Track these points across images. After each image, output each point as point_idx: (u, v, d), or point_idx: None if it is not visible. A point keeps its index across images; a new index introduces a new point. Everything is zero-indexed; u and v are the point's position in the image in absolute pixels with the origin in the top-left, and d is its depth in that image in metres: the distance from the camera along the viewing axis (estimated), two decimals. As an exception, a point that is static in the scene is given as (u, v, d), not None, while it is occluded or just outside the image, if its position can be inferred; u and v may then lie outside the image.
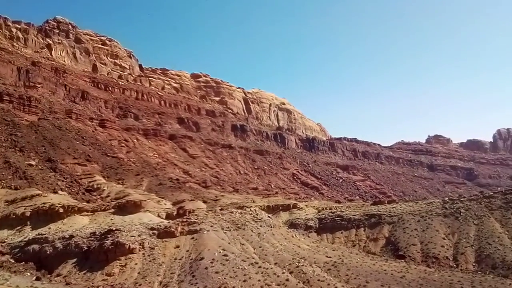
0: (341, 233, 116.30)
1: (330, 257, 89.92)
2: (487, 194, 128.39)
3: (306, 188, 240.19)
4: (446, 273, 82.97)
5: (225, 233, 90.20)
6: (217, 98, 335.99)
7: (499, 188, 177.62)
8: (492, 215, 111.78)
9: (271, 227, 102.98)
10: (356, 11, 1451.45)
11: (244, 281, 68.25)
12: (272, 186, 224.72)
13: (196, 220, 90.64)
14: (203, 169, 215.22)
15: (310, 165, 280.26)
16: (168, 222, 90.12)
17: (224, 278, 68.16)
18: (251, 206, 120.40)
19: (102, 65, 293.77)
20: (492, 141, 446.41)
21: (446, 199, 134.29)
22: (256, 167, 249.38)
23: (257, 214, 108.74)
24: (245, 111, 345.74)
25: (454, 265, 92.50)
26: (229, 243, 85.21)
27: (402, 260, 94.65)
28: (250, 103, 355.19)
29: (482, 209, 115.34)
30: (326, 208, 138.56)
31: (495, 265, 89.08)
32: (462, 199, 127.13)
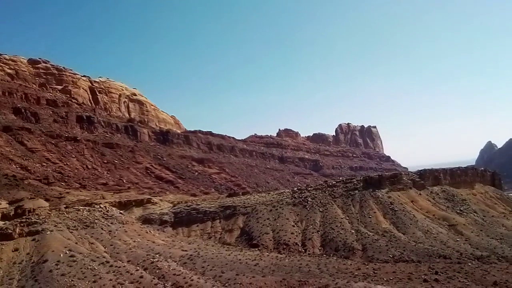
0: (197, 226, 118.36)
1: (186, 250, 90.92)
2: (330, 184, 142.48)
3: (160, 182, 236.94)
4: (296, 257, 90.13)
5: (71, 232, 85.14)
6: (60, 87, 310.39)
7: (340, 178, 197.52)
8: (335, 202, 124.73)
9: (123, 224, 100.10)
10: (211, 4, 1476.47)
11: (94, 281, 65.39)
12: (124, 181, 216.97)
13: (37, 220, 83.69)
14: (44, 164, 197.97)
15: (165, 159, 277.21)
16: (4, 223, 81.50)
17: (72, 280, 64.42)
18: (100, 203, 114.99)
19: None
20: (334, 134, 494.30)
21: (295, 189, 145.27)
22: (105, 161, 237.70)
23: (107, 211, 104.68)
24: (92, 102, 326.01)
25: (303, 250, 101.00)
26: (76, 243, 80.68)
27: (256, 249, 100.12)
28: (98, 93, 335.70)
29: (326, 197, 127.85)
30: (181, 202, 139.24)
31: (337, 248, 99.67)
32: (309, 188, 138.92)
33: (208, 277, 74.34)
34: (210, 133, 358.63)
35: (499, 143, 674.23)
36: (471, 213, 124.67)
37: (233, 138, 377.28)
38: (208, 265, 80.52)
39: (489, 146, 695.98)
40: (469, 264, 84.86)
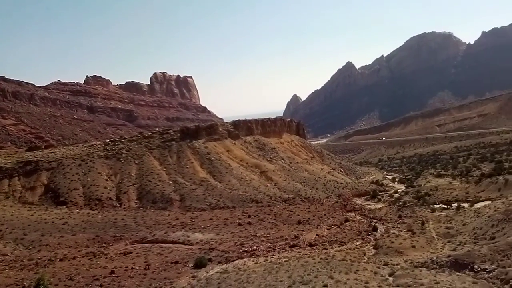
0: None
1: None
2: (146, 135, 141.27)
3: None
4: (110, 213, 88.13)
5: None
6: None
7: (157, 129, 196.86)
8: (152, 154, 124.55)
9: None
10: None
11: None
12: None
13: None
14: None
15: None
16: None
17: None
18: None
19: None
20: (149, 84, 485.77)
21: (108, 141, 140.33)
22: None
23: None
24: None
25: (118, 205, 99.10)
26: None
27: (64, 206, 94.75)
28: None
29: (142, 149, 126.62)
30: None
31: (155, 200, 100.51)
32: (123, 140, 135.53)
33: (7, 241, 67.86)
34: (3, 78, 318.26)
35: (304, 96, 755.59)
36: (279, 160, 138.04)
37: (31, 84, 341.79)
38: (6, 228, 73.38)
39: (295, 98, 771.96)
40: (278, 206, 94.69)
